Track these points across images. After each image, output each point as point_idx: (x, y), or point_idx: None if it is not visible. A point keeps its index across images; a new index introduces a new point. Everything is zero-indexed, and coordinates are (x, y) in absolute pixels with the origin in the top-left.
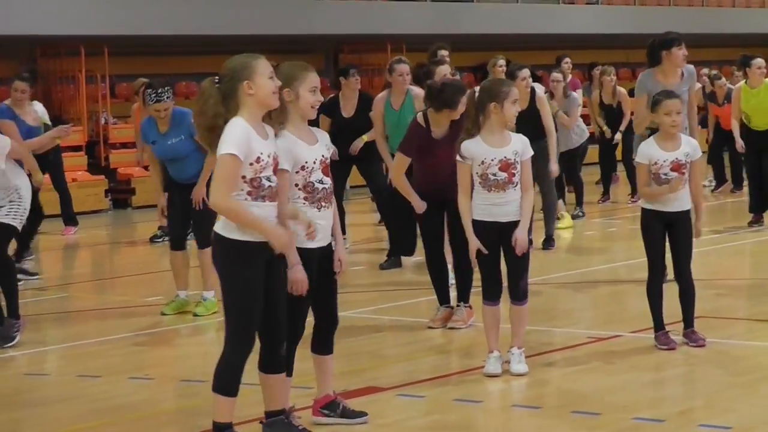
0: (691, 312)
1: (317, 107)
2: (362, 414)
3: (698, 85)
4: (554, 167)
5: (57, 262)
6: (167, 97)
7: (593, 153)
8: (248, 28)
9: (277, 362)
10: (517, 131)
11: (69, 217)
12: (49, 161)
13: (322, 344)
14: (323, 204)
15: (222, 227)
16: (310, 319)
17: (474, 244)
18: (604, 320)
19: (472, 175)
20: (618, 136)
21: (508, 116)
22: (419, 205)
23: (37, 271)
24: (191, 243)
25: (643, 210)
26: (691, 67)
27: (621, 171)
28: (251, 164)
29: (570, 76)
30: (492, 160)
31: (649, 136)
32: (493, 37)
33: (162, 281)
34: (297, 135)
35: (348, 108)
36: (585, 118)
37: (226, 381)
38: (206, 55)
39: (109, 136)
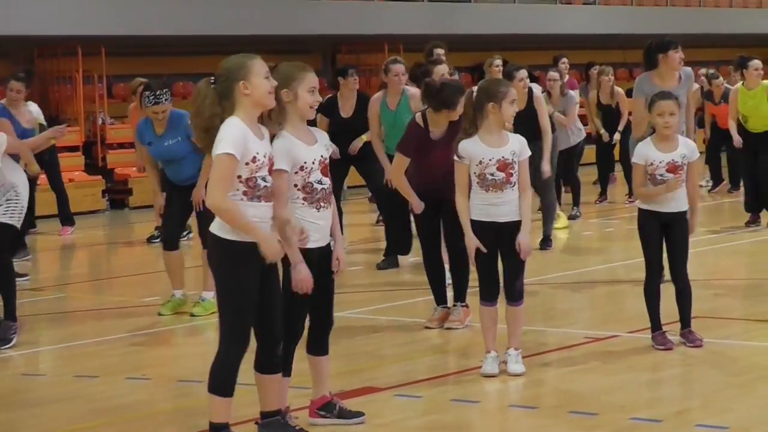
0: (688, 312)
1: (316, 107)
2: (359, 414)
3: (696, 86)
4: (546, 167)
5: (54, 263)
6: (165, 99)
7: (590, 153)
8: (246, 28)
9: (274, 363)
10: (515, 132)
11: (66, 217)
12: (46, 161)
13: (318, 345)
14: (322, 204)
15: (218, 227)
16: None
17: (473, 243)
18: (602, 320)
19: (470, 175)
20: (617, 136)
21: (506, 116)
22: (418, 206)
23: (26, 272)
24: (192, 244)
25: (640, 210)
26: (689, 69)
27: (618, 171)
28: (247, 164)
29: (567, 76)
30: (490, 160)
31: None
32: (490, 37)
33: (159, 281)
34: (296, 135)
35: (346, 108)
36: (582, 118)
37: (222, 381)
38: (204, 56)
39: (106, 137)
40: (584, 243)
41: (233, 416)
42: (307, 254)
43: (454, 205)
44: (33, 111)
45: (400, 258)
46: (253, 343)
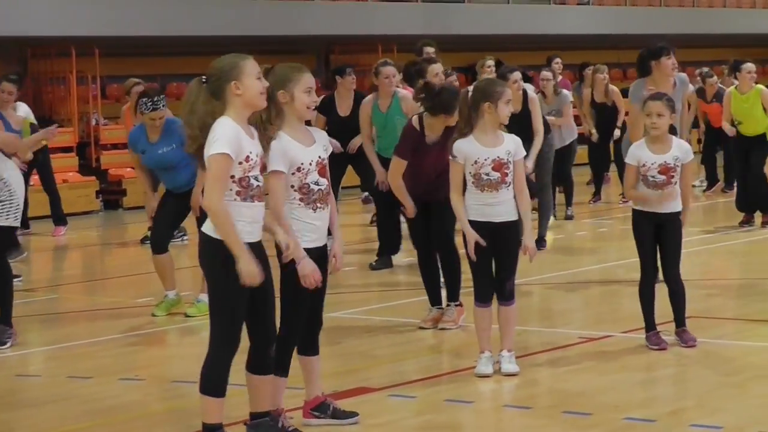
0: (682, 312)
1: (313, 108)
2: (353, 414)
3: (691, 87)
4: (530, 164)
5: (47, 264)
6: (163, 105)
7: (584, 153)
8: (239, 28)
9: (266, 363)
10: (510, 133)
11: (58, 218)
12: (38, 162)
13: (308, 345)
14: (319, 205)
15: (210, 227)
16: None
17: (472, 236)
18: (596, 320)
19: (465, 175)
20: (617, 133)
21: (502, 116)
22: (412, 211)
23: (19, 273)
24: (188, 244)
25: (634, 211)
26: (684, 75)
27: (613, 171)
28: (240, 163)
29: (560, 77)
30: (485, 159)
31: None
32: (484, 37)
33: (152, 282)
34: (293, 136)
35: (344, 107)
36: (575, 118)
37: (213, 382)
38: (197, 56)
39: (99, 137)
40: (578, 243)
41: (226, 417)
42: (306, 254)
43: (443, 205)
44: (23, 111)
45: (395, 258)
46: (244, 344)
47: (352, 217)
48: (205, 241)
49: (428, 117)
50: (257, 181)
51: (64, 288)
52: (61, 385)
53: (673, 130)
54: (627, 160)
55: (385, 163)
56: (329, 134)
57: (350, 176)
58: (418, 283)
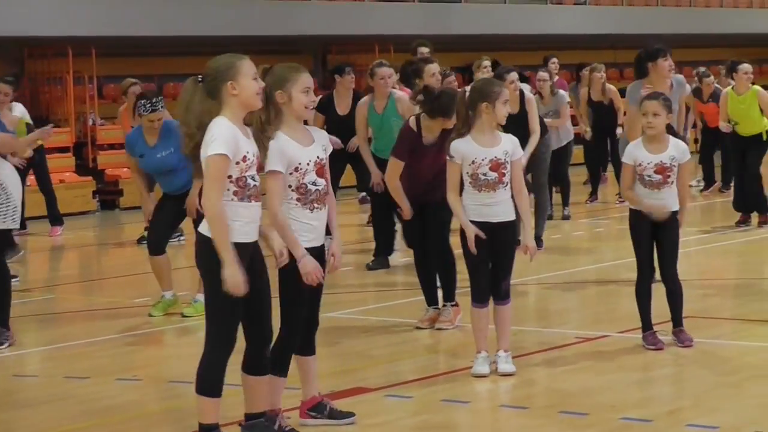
0: (679, 312)
1: (312, 107)
2: (350, 414)
3: (688, 89)
4: (523, 161)
5: (44, 264)
6: (162, 107)
7: (580, 153)
8: (236, 28)
9: (262, 364)
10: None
11: (55, 218)
12: (34, 162)
13: (305, 345)
14: (316, 205)
15: (206, 228)
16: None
17: (471, 230)
18: (592, 320)
19: (463, 175)
20: (620, 131)
21: (500, 116)
22: (408, 213)
23: (16, 273)
24: (185, 244)
25: (631, 211)
26: (681, 77)
27: (610, 171)
28: (237, 163)
29: (557, 77)
30: (483, 160)
31: None
32: (481, 37)
33: (149, 282)
34: (291, 136)
35: (342, 106)
36: (572, 118)
37: (209, 382)
38: (194, 56)
39: (96, 138)
40: (575, 243)
41: (222, 417)
42: None
43: (439, 206)
44: (18, 111)
45: (391, 258)
46: (240, 344)
47: (349, 217)
48: (202, 242)
49: (426, 119)
50: (254, 180)
51: (61, 288)
52: (58, 385)
53: (671, 130)
54: (624, 159)
55: (381, 164)
56: (328, 133)
57: (347, 176)
58: (415, 283)
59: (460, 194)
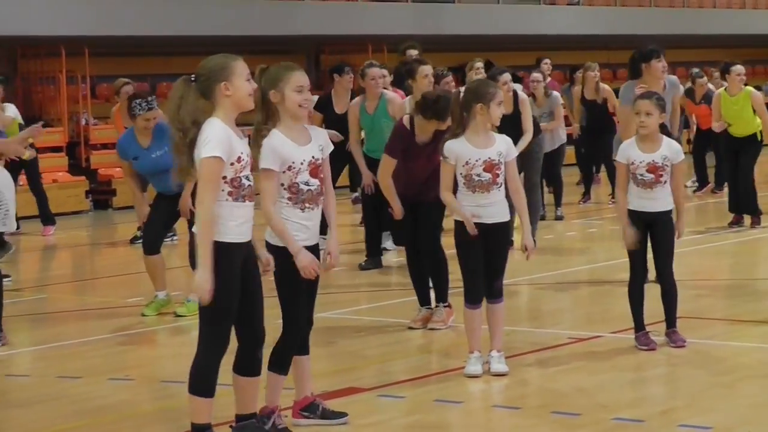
0: (673, 313)
1: (306, 106)
2: (342, 415)
3: (681, 89)
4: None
5: (36, 263)
6: (156, 105)
7: (571, 153)
8: (229, 28)
9: (253, 365)
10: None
11: (47, 217)
12: (25, 162)
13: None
14: (307, 205)
15: None
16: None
17: (466, 216)
18: (585, 321)
19: (457, 176)
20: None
21: (494, 117)
22: (399, 212)
23: (8, 273)
24: (178, 243)
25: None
26: (674, 78)
27: (602, 171)
28: (232, 164)
29: (549, 78)
30: (477, 161)
31: None
32: (474, 37)
33: (142, 282)
34: (287, 135)
35: (341, 105)
36: (564, 119)
37: (202, 382)
38: (187, 56)
39: (89, 137)
40: (568, 243)
41: (214, 417)
42: None
43: (431, 206)
44: (11, 112)
45: (384, 258)
46: (233, 344)
47: (341, 217)
48: (196, 242)
49: (419, 119)
50: (248, 180)
51: (53, 288)
52: (50, 385)
53: (665, 130)
54: (617, 158)
55: (373, 164)
56: None
57: (340, 177)
58: (408, 283)
59: (454, 195)
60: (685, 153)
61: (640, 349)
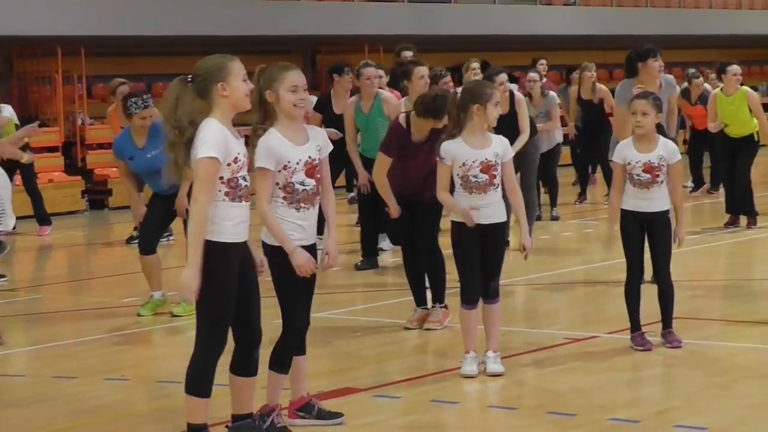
0: (669, 313)
1: (301, 105)
2: (338, 415)
3: (677, 90)
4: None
5: (32, 263)
6: (152, 104)
7: (567, 154)
8: (225, 28)
9: (250, 365)
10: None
11: (42, 218)
12: (20, 162)
13: None
14: (303, 205)
15: None
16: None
17: (464, 209)
18: (581, 321)
19: (453, 176)
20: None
21: (491, 118)
22: (395, 211)
23: (3, 272)
24: (174, 244)
25: (621, 210)
26: (670, 77)
27: (598, 172)
28: (229, 165)
29: (545, 78)
30: (473, 161)
31: None
32: (470, 38)
33: (138, 282)
34: (284, 134)
35: (340, 105)
36: (560, 119)
37: (199, 382)
38: (183, 56)
39: (85, 137)
40: (563, 244)
41: (210, 417)
42: None
43: (428, 206)
44: (8, 112)
45: (380, 258)
46: (230, 344)
47: (338, 217)
48: None
49: (415, 118)
50: (245, 181)
51: (49, 288)
52: (46, 385)
53: (661, 130)
54: (614, 158)
55: (368, 164)
56: None
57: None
58: (404, 283)
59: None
60: (681, 153)
61: (636, 350)
